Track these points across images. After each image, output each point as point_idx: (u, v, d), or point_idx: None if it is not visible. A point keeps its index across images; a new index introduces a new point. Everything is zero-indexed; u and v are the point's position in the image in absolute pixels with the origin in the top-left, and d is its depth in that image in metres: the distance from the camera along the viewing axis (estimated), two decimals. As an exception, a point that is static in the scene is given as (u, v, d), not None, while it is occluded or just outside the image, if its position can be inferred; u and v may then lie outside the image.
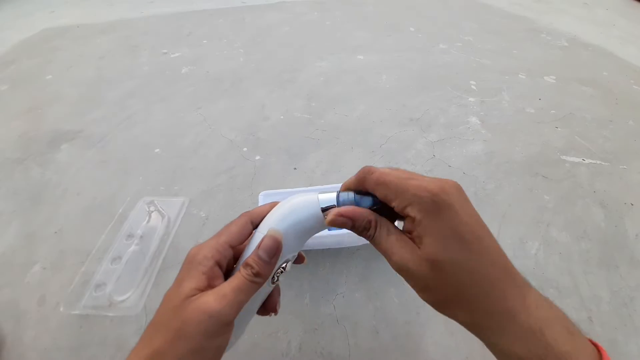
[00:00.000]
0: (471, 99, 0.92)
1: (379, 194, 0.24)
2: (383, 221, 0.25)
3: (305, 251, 0.55)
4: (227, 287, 0.23)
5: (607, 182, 0.68)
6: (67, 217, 0.62)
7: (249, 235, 0.27)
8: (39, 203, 0.65)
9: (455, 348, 0.44)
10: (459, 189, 0.23)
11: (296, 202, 0.26)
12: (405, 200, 0.22)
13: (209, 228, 0.59)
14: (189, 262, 0.24)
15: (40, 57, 1.18)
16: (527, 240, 0.57)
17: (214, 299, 0.22)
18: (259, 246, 0.25)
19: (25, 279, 0.53)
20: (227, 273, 0.26)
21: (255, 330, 0.46)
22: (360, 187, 0.25)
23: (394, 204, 0.23)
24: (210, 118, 0.86)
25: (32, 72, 1.09)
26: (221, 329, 0.22)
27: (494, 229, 0.59)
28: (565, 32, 1.34)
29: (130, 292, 0.50)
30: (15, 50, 1.23)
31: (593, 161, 0.73)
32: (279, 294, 0.31)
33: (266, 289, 0.27)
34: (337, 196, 0.26)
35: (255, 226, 0.27)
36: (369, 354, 0.44)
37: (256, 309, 0.29)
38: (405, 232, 0.24)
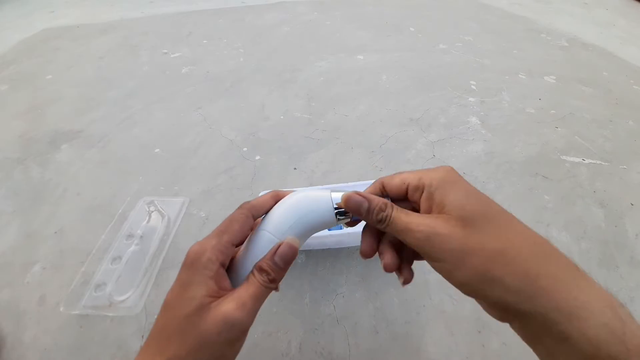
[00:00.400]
0: (471, 99, 0.92)
1: (395, 182, 0.25)
2: (397, 206, 0.24)
3: (306, 251, 0.55)
4: (245, 295, 0.22)
5: (607, 182, 0.68)
6: (67, 217, 0.62)
7: (249, 230, 0.26)
8: (39, 203, 0.65)
9: (455, 348, 0.44)
10: (451, 170, 0.24)
11: (309, 202, 0.25)
12: (419, 179, 0.24)
13: (209, 228, 0.59)
14: (192, 265, 0.23)
15: (40, 57, 1.18)
16: (527, 240, 0.57)
17: (235, 308, 0.22)
18: (274, 252, 0.24)
19: (25, 279, 0.53)
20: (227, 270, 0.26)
21: (255, 330, 0.46)
22: (376, 192, 0.26)
23: (410, 184, 0.24)
24: (210, 118, 0.86)
25: (32, 72, 1.09)
26: (242, 336, 0.23)
27: (494, 229, 0.59)
28: (565, 32, 1.34)
29: (130, 292, 0.49)
30: (15, 50, 1.23)
31: (593, 161, 0.73)
32: None
33: None
34: None
35: (256, 218, 0.26)
36: (369, 354, 0.44)
37: None
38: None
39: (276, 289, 0.25)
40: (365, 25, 1.38)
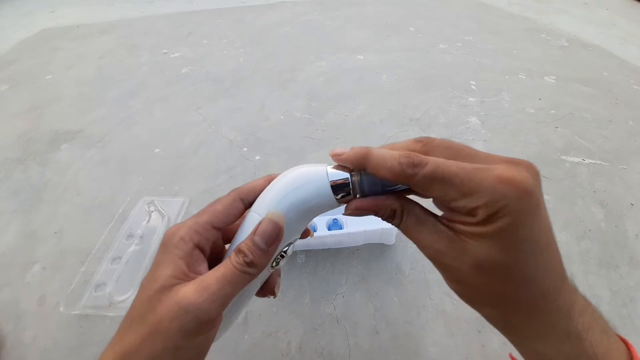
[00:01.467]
0: (471, 99, 0.92)
1: (437, 193, 0.18)
2: (411, 207, 0.20)
3: (306, 251, 0.55)
4: (211, 277, 0.19)
5: (607, 182, 0.68)
6: (67, 217, 0.62)
7: (238, 214, 0.23)
8: (39, 203, 0.65)
9: (455, 348, 0.44)
10: (538, 176, 0.18)
11: (300, 175, 0.22)
12: (477, 199, 0.17)
13: (209, 228, 0.59)
14: (164, 245, 0.21)
15: (40, 57, 1.18)
16: (527, 240, 0.57)
17: (194, 291, 0.19)
18: (255, 230, 0.21)
19: (25, 279, 0.53)
20: (215, 258, 0.23)
21: (255, 330, 0.46)
22: (401, 182, 0.19)
23: (458, 204, 0.18)
24: (210, 118, 0.86)
25: (32, 72, 1.09)
26: (202, 327, 0.19)
27: (494, 229, 0.59)
28: (565, 32, 1.34)
29: (130, 292, 0.49)
30: (15, 50, 1.23)
31: (593, 161, 0.73)
32: (279, 275, 0.27)
33: (264, 274, 0.24)
34: (359, 180, 0.21)
35: (247, 205, 0.23)
36: (369, 354, 0.44)
37: (252, 296, 0.25)
38: (443, 217, 0.20)
39: (267, 268, 0.22)
40: (365, 25, 1.38)
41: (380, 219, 0.21)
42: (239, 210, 0.23)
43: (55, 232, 0.59)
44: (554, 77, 1.02)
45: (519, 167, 0.17)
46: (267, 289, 0.26)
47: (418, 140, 0.20)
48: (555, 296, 0.19)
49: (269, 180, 0.23)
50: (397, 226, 0.21)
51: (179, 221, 0.60)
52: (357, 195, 0.21)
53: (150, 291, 0.19)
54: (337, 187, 0.21)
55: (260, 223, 0.21)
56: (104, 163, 0.73)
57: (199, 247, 0.21)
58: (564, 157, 0.73)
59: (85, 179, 0.70)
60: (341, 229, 0.53)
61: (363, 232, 0.50)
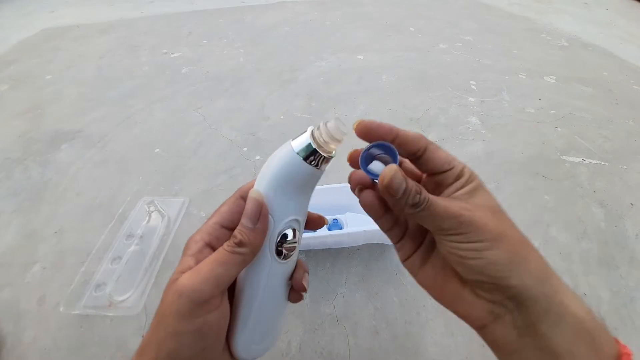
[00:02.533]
0: (471, 99, 0.92)
1: (442, 154, 0.23)
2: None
3: (306, 251, 0.55)
4: (204, 262, 0.21)
5: (607, 182, 0.68)
6: (67, 217, 0.62)
7: (241, 212, 0.24)
8: (39, 203, 0.65)
9: (455, 348, 0.44)
10: None
11: (272, 156, 0.24)
12: (462, 164, 0.24)
13: (209, 228, 0.59)
14: (184, 249, 0.23)
15: (40, 57, 1.18)
16: (527, 240, 0.57)
17: (188, 277, 0.20)
18: (243, 214, 0.22)
19: (25, 279, 0.53)
20: None
21: (255, 330, 0.46)
22: (415, 144, 0.23)
23: (455, 163, 0.23)
24: (210, 118, 0.86)
25: (32, 72, 1.09)
26: (196, 309, 0.20)
27: (494, 229, 0.59)
28: (565, 32, 1.34)
29: (130, 292, 0.49)
30: (15, 50, 1.23)
31: (593, 161, 0.73)
32: (303, 270, 0.27)
33: (277, 268, 0.24)
34: (367, 155, 0.23)
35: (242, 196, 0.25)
36: (369, 354, 0.44)
37: (282, 297, 0.26)
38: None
39: (274, 259, 0.23)
40: (365, 25, 1.38)
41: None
42: (241, 208, 0.24)
43: (55, 232, 0.59)
44: (554, 77, 1.02)
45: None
46: (295, 286, 0.26)
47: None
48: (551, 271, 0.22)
49: None
50: (426, 201, 0.21)
51: (179, 221, 0.60)
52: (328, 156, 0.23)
53: (166, 288, 0.21)
54: (306, 154, 0.22)
55: (245, 204, 0.23)
56: (104, 163, 0.73)
57: (210, 245, 0.23)
58: (564, 157, 0.73)
59: (85, 179, 0.70)
60: (341, 229, 0.53)
61: (363, 232, 0.50)
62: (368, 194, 0.24)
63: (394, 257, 0.54)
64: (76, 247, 0.57)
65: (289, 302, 0.27)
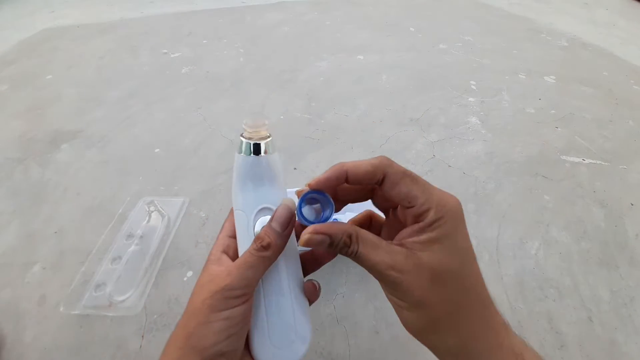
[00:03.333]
0: (471, 99, 0.92)
1: (403, 188, 0.22)
2: (363, 232, 0.22)
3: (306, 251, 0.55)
4: (234, 266, 0.24)
5: (607, 182, 0.68)
6: (67, 217, 0.62)
7: None
8: (39, 203, 0.65)
9: (455, 348, 0.44)
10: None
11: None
12: (431, 202, 0.21)
13: (209, 228, 0.59)
14: (208, 261, 0.26)
15: (40, 57, 1.18)
16: (527, 240, 0.57)
17: (221, 278, 0.23)
18: (272, 218, 0.25)
19: (25, 279, 0.53)
20: None
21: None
22: (369, 179, 0.22)
23: (417, 202, 0.21)
24: (210, 118, 0.86)
25: (32, 72, 1.09)
26: (227, 302, 0.23)
27: (494, 229, 0.59)
28: (565, 32, 1.34)
29: (130, 292, 0.49)
30: (15, 50, 1.23)
31: (593, 161, 0.73)
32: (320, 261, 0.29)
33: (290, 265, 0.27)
34: (301, 205, 0.24)
35: None
36: (369, 354, 0.44)
37: (287, 291, 0.26)
38: (393, 241, 0.23)
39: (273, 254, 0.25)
40: (365, 25, 1.38)
41: (332, 250, 0.23)
42: None
43: (55, 232, 0.59)
44: (554, 77, 1.02)
45: (452, 195, 0.22)
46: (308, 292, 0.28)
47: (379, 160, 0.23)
48: (494, 312, 0.22)
49: None
50: (353, 254, 0.22)
51: (179, 221, 0.60)
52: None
53: (191, 296, 0.24)
54: (245, 149, 0.25)
55: (276, 210, 0.25)
56: (104, 163, 0.73)
57: (225, 252, 0.26)
58: (564, 157, 0.73)
59: (85, 179, 0.70)
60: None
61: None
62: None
63: (394, 257, 0.54)
64: (76, 247, 0.57)
65: (305, 300, 0.28)
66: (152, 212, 0.61)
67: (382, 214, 0.28)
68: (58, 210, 0.63)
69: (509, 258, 0.55)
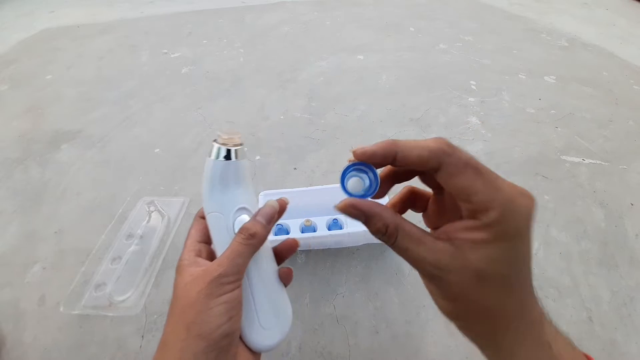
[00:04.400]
0: (471, 99, 0.92)
1: (463, 181, 0.18)
2: (405, 225, 0.20)
3: (306, 251, 0.55)
4: (224, 257, 0.25)
5: (607, 182, 0.68)
6: (67, 217, 0.62)
7: (204, 228, 0.29)
8: (39, 203, 0.65)
9: (455, 348, 0.44)
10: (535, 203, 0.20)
11: (203, 172, 0.29)
12: (494, 201, 0.18)
13: (209, 228, 0.59)
14: (176, 273, 0.27)
15: (40, 57, 1.18)
16: (527, 240, 0.57)
17: (214, 267, 0.25)
18: (258, 213, 0.28)
19: (25, 279, 0.53)
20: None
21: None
22: (421, 166, 0.20)
23: (478, 199, 0.18)
24: (210, 118, 0.86)
25: (32, 72, 1.09)
26: (222, 287, 0.24)
27: (494, 229, 0.59)
28: (565, 32, 1.34)
29: (130, 292, 0.50)
30: (15, 50, 1.23)
31: (593, 161, 0.73)
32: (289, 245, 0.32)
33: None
34: (349, 171, 0.22)
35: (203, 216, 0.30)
36: (369, 354, 0.44)
37: (267, 276, 0.29)
38: (440, 233, 0.20)
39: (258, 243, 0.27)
40: (365, 25, 1.38)
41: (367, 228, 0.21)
42: (203, 225, 0.29)
43: (55, 232, 0.59)
44: (554, 77, 1.02)
45: (526, 191, 0.20)
46: (281, 252, 0.32)
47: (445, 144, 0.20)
48: (531, 307, 0.20)
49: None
50: (390, 244, 0.21)
51: (179, 221, 0.60)
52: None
53: (175, 298, 0.25)
54: (217, 154, 0.27)
55: (263, 207, 0.28)
56: (104, 163, 0.73)
57: (198, 256, 0.28)
58: (564, 157, 0.73)
59: (85, 179, 0.70)
60: (341, 229, 0.53)
61: (363, 232, 0.50)
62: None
63: (394, 257, 0.54)
64: (76, 247, 0.57)
65: (282, 285, 0.31)
66: (152, 212, 0.61)
67: (428, 189, 0.25)
68: (58, 210, 0.63)
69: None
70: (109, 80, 1.03)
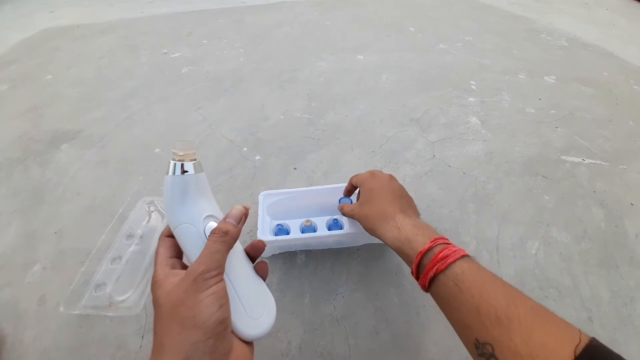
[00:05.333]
0: (471, 99, 0.92)
1: (354, 183, 0.51)
2: (348, 205, 0.49)
3: (306, 251, 0.55)
4: (202, 257, 0.27)
5: (607, 182, 0.68)
6: (67, 217, 0.62)
7: (173, 244, 0.31)
8: (39, 203, 0.65)
9: (455, 348, 0.44)
10: (376, 172, 0.49)
11: (165, 189, 0.30)
12: (358, 181, 0.49)
13: (209, 228, 0.59)
14: (152, 290, 0.28)
15: (40, 57, 1.18)
16: (527, 240, 0.57)
17: (194, 267, 0.26)
18: (227, 216, 0.31)
19: (25, 279, 0.53)
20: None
21: (255, 330, 0.46)
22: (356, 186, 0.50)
23: (357, 184, 0.49)
24: (210, 118, 0.86)
25: (32, 72, 1.09)
26: (208, 281, 0.26)
27: (494, 229, 0.59)
28: (565, 32, 1.34)
29: (130, 292, 0.50)
30: (15, 50, 1.23)
31: (593, 161, 0.73)
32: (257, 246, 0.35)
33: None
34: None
35: (168, 235, 0.32)
36: (369, 354, 0.44)
37: (244, 269, 0.32)
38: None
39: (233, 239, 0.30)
40: (365, 25, 1.38)
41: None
42: (171, 242, 0.31)
43: (55, 232, 0.59)
44: (554, 77, 1.02)
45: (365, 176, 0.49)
46: (251, 251, 0.35)
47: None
48: (390, 217, 0.41)
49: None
50: (342, 213, 0.50)
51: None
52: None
53: (158, 308, 0.26)
54: (173, 170, 0.29)
55: (231, 210, 0.31)
56: (104, 163, 0.73)
57: (172, 267, 0.29)
58: (564, 157, 0.73)
59: (85, 179, 0.70)
60: (341, 229, 0.53)
61: (363, 232, 0.50)
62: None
63: (394, 257, 0.54)
64: (76, 247, 0.57)
65: (261, 278, 0.34)
66: (152, 212, 0.61)
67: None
68: (58, 210, 0.63)
69: (509, 258, 0.55)
70: (109, 80, 1.03)
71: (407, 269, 0.52)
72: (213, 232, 0.29)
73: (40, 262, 0.55)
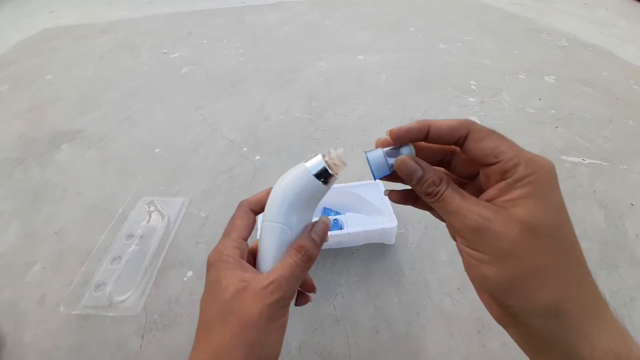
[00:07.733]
0: (471, 99, 0.92)
1: (489, 143, 0.20)
2: (452, 183, 0.22)
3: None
4: (283, 278, 0.24)
5: (607, 182, 0.68)
6: (67, 217, 0.62)
7: (252, 223, 0.28)
8: (39, 203, 0.65)
9: (455, 348, 0.44)
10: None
11: (287, 181, 0.27)
12: (520, 157, 0.19)
13: (209, 228, 0.59)
14: (215, 265, 0.25)
15: (40, 57, 1.18)
16: (527, 240, 0.57)
17: (271, 290, 0.23)
18: (310, 229, 0.26)
19: (25, 279, 0.53)
20: (250, 262, 0.28)
21: (255, 330, 0.46)
22: (451, 135, 0.21)
23: (505, 156, 0.20)
24: (210, 118, 0.86)
25: (32, 72, 1.09)
26: (281, 310, 0.24)
27: (494, 229, 0.59)
28: (565, 32, 1.34)
29: (130, 292, 0.49)
30: (15, 50, 1.23)
31: (593, 161, 0.73)
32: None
33: None
34: (388, 152, 0.26)
35: (256, 213, 0.28)
36: (369, 354, 0.44)
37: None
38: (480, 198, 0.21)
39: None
40: (365, 25, 1.38)
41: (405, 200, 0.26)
42: (252, 220, 0.28)
43: (55, 232, 0.59)
44: (554, 77, 1.02)
45: (540, 160, 0.21)
46: (304, 287, 0.31)
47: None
48: (589, 274, 0.19)
49: (269, 191, 0.28)
50: (439, 195, 0.21)
51: (178, 221, 0.60)
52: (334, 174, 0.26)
53: (223, 297, 0.23)
54: (318, 173, 0.26)
55: (316, 223, 0.27)
56: (104, 163, 0.73)
57: (241, 256, 0.26)
58: (564, 157, 0.73)
59: (85, 179, 0.70)
60: (341, 229, 0.53)
61: (363, 232, 0.50)
62: (392, 195, 0.27)
63: (394, 257, 0.54)
64: (76, 247, 0.57)
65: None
66: (152, 212, 0.61)
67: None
68: (58, 210, 0.63)
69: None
70: (109, 80, 1.03)
71: (407, 269, 0.52)
72: (298, 248, 0.25)
73: (40, 262, 0.55)
